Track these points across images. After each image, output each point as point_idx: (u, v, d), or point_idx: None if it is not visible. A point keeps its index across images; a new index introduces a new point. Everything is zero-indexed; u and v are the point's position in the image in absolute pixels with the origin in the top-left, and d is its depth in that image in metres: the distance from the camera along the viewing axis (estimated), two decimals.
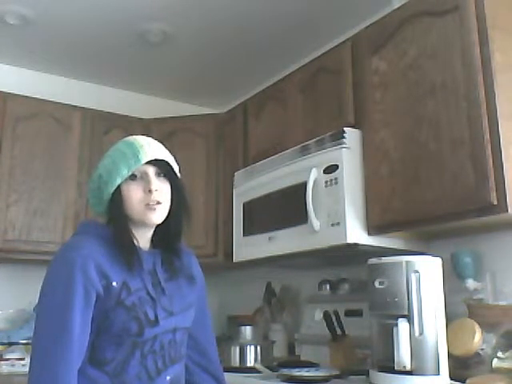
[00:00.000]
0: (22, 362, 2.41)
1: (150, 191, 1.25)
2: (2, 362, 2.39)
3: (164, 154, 1.30)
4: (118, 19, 2.77)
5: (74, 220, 2.84)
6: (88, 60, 3.21)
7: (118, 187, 1.25)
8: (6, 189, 2.70)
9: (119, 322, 1.18)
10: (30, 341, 2.61)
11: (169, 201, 1.30)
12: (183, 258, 1.39)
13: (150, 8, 2.67)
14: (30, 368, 1.12)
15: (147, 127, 3.13)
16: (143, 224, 1.28)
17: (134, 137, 1.33)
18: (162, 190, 1.28)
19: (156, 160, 1.27)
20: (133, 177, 1.26)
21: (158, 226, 1.31)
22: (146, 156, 1.25)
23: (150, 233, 1.32)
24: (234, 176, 2.67)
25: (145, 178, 1.26)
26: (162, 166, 1.29)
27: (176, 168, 1.33)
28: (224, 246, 2.83)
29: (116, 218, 1.26)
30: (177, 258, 1.36)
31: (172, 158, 1.33)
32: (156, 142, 1.32)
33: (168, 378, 1.24)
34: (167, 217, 1.31)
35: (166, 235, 1.34)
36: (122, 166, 1.25)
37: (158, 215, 1.27)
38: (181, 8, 2.67)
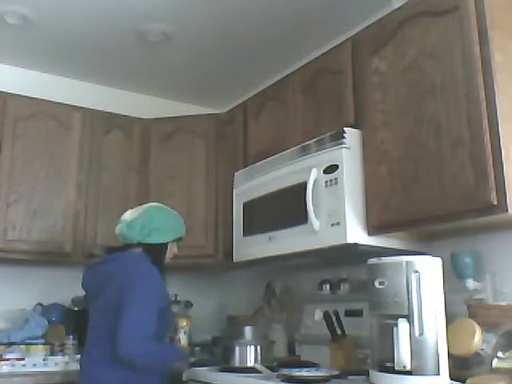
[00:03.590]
0: (22, 362, 2.41)
1: (176, 252, 2.17)
2: (2, 362, 2.38)
3: None
4: (118, 19, 2.77)
5: (74, 220, 2.84)
6: (88, 60, 3.21)
7: (167, 242, 2.11)
8: (6, 189, 2.70)
9: None
10: (29, 341, 2.62)
11: None
12: None
13: (150, 8, 2.67)
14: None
15: (147, 127, 3.13)
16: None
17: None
18: None
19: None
20: (178, 240, 2.17)
21: None
22: (183, 232, 2.19)
23: None
24: (234, 176, 2.68)
25: (179, 243, 2.19)
26: None
27: None
28: (224, 245, 2.83)
29: (159, 261, 2.06)
30: None
31: None
32: None
33: None
34: None
35: None
36: (179, 231, 2.16)
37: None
38: (181, 8, 2.67)
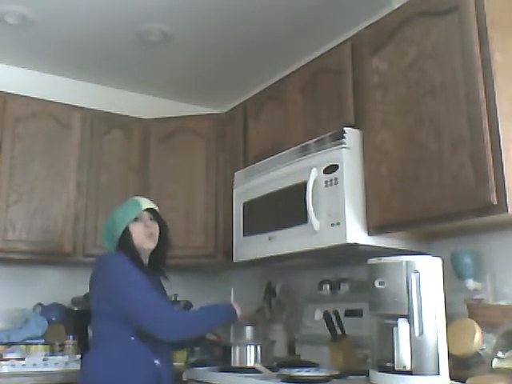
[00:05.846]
0: (22, 362, 2.41)
1: (146, 226, 2.08)
2: (2, 362, 2.38)
3: (153, 206, 2.15)
4: (118, 19, 2.77)
5: (74, 220, 2.84)
6: (88, 60, 3.21)
7: (127, 227, 2.06)
8: (6, 189, 2.70)
9: None
10: (29, 341, 2.62)
11: (157, 233, 2.11)
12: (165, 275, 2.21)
13: (150, 8, 2.67)
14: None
15: (147, 127, 3.13)
16: (142, 249, 2.07)
17: (137, 197, 2.22)
18: (153, 226, 2.10)
19: (148, 209, 2.11)
20: (136, 219, 2.07)
21: (151, 254, 2.12)
22: (143, 206, 2.10)
23: (147, 259, 2.11)
24: (234, 176, 2.68)
25: (142, 218, 2.09)
26: (152, 213, 2.12)
27: (160, 215, 2.16)
28: (224, 246, 2.83)
29: (127, 247, 2.03)
30: (162, 276, 2.19)
31: (157, 208, 2.17)
32: (148, 199, 2.19)
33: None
34: (156, 248, 2.12)
35: (155, 261, 2.14)
36: (132, 211, 2.08)
37: (152, 242, 2.09)
38: (181, 8, 2.67)
